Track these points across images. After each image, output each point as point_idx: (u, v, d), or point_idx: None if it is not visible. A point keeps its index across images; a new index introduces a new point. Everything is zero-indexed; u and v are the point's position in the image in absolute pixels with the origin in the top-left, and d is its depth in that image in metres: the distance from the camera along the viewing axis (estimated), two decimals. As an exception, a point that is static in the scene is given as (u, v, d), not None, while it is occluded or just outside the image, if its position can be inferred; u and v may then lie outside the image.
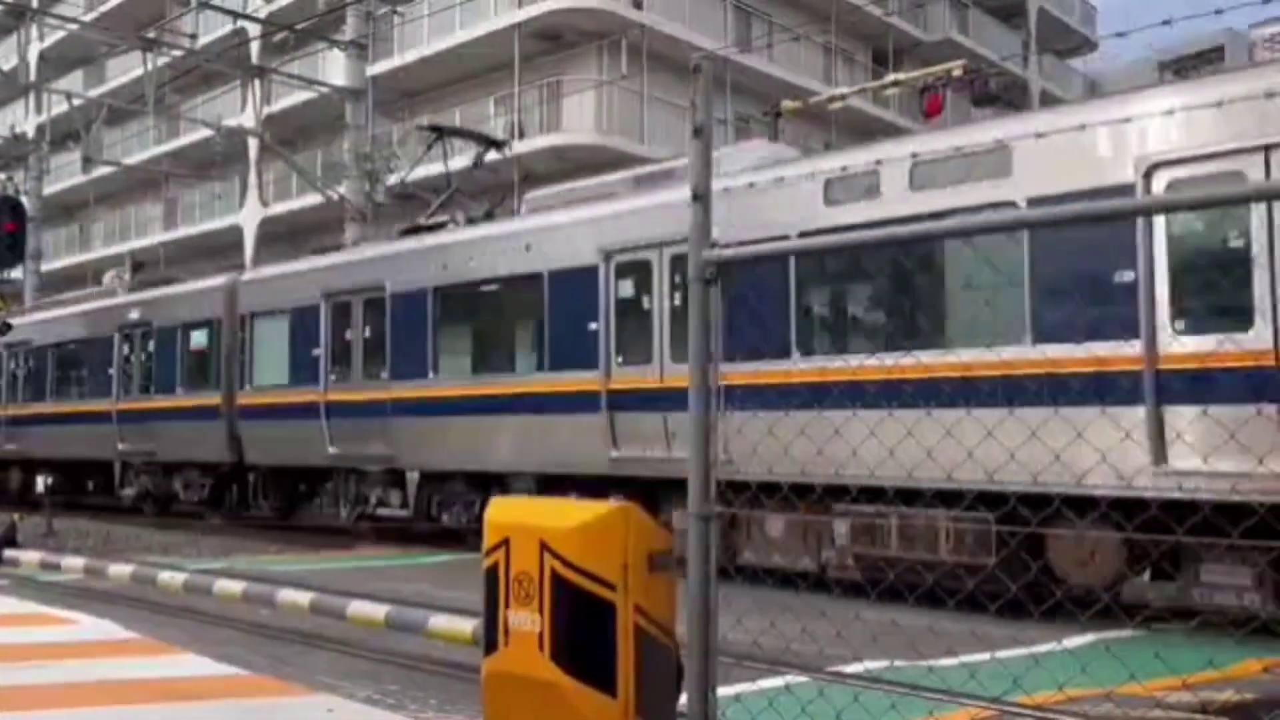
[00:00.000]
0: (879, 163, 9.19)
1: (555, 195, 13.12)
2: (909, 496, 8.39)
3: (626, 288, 11.29)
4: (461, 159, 16.93)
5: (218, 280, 17.87)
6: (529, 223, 12.85)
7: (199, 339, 17.59)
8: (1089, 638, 6.22)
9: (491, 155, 16.73)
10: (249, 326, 16.44)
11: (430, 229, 14.57)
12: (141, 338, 18.77)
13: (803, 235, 9.28)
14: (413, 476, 14.21)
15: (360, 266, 14.88)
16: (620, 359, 11.27)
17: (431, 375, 13.43)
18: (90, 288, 24.73)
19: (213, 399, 16.95)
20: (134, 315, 18.98)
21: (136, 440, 18.54)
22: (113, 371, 19.26)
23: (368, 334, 14.36)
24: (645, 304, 11.15)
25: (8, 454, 22.30)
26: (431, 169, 17.15)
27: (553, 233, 12.20)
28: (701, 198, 3.72)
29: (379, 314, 14.14)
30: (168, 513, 18.51)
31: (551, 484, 11.48)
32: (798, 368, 9.63)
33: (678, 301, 10.69)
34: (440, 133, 16.78)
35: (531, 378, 12.24)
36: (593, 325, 11.47)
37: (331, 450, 14.68)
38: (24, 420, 21.95)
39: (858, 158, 9.66)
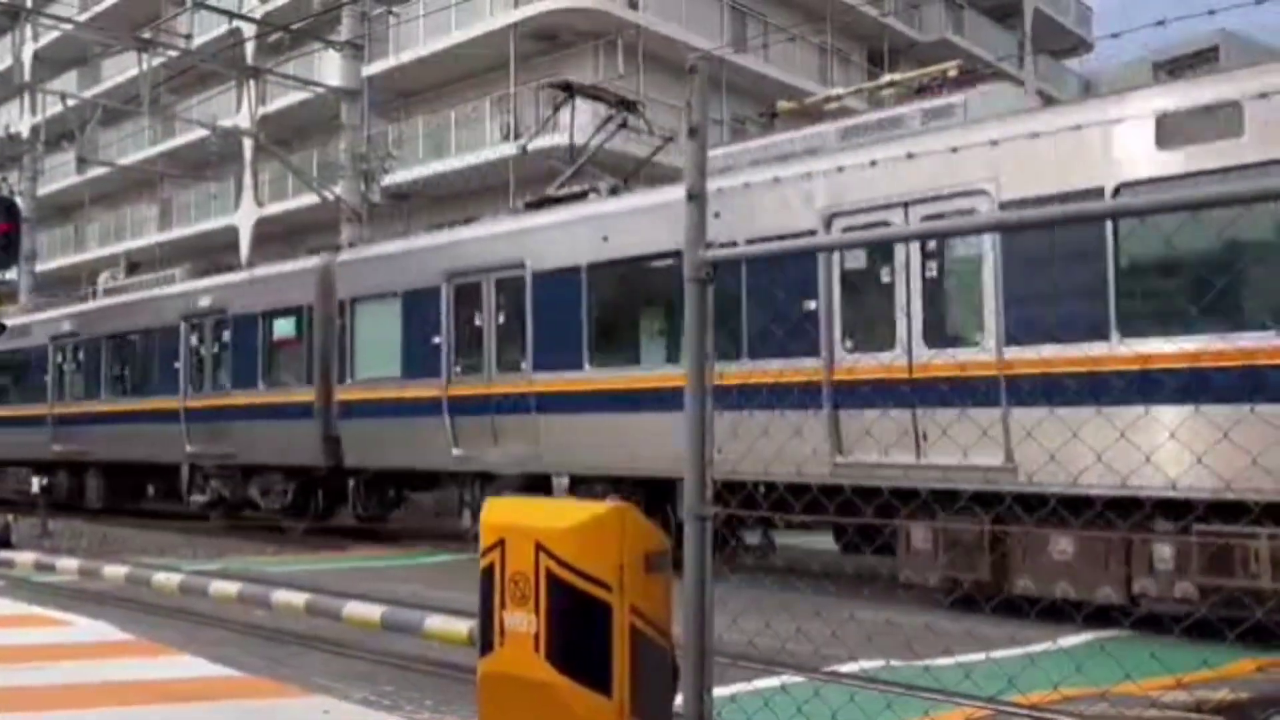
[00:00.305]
0: (1240, 94, 7.55)
1: (730, 155, 11.09)
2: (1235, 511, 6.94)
3: (857, 258, 9.63)
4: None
5: (309, 262, 16.12)
6: (715, 184, 10.98)
7: (285, 328, 15.78)
8: (1085, 637, 6.23)
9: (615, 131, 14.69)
10: (349, 313, 14.70)
11: (563, 200, 12.88)
12: (214, 327, 17.05)
13: (1125, 186, 7.91)
14: (560, 481, 12.47)
15: (490, 243, 13.14)
16: (849, 344, 9.64)
17: (587, 367, 11.83)
18: (84, 286, 24.53)
19: (304, 395, 15.24)
20: (204, 303, 17.18)
21: (209, 442, 16.85)
22: (179, 365, 17.32)
23: (502, 319, 12.80)
24: (884, 276, 9.46)
25: (57, 456, 20.41)
26: (557, 138, 15.47)
27: (750, 195, 9.96)
28: (696, 198, 3.71)
29: (516, 296, 12.56)
30: (240, 520, 17.24)
31: (741, 494, 9.04)
32: (1117, 352, 7.79)
33: (931, 273, 9.23)
34: (570, 91, 14.84)
35: (719, 368, 10.20)
36: (810, 304, 9.82)
37: (456, 452, 13.05)
38: (74, 420, 20.13)
39: (1205, 91, 7.88)
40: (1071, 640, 6.11)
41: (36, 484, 17.59)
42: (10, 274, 24.90)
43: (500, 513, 3.98)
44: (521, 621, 3.71)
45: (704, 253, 3.68)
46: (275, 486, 16.22)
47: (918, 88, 19.04)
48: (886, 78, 20.33)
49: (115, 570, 7.95)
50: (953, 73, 16.92)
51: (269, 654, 6.81)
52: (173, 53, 21.87)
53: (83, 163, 25.33)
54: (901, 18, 32.87)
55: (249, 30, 26.47)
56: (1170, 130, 7.79)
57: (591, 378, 11.76)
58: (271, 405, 15.80)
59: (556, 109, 15.00)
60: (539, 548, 3.70)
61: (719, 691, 3.73)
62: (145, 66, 19.84)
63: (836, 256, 9.70)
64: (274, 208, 31.65)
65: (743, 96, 26.20)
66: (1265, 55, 8.21)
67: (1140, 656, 4.72)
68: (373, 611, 5.77)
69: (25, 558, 9.42)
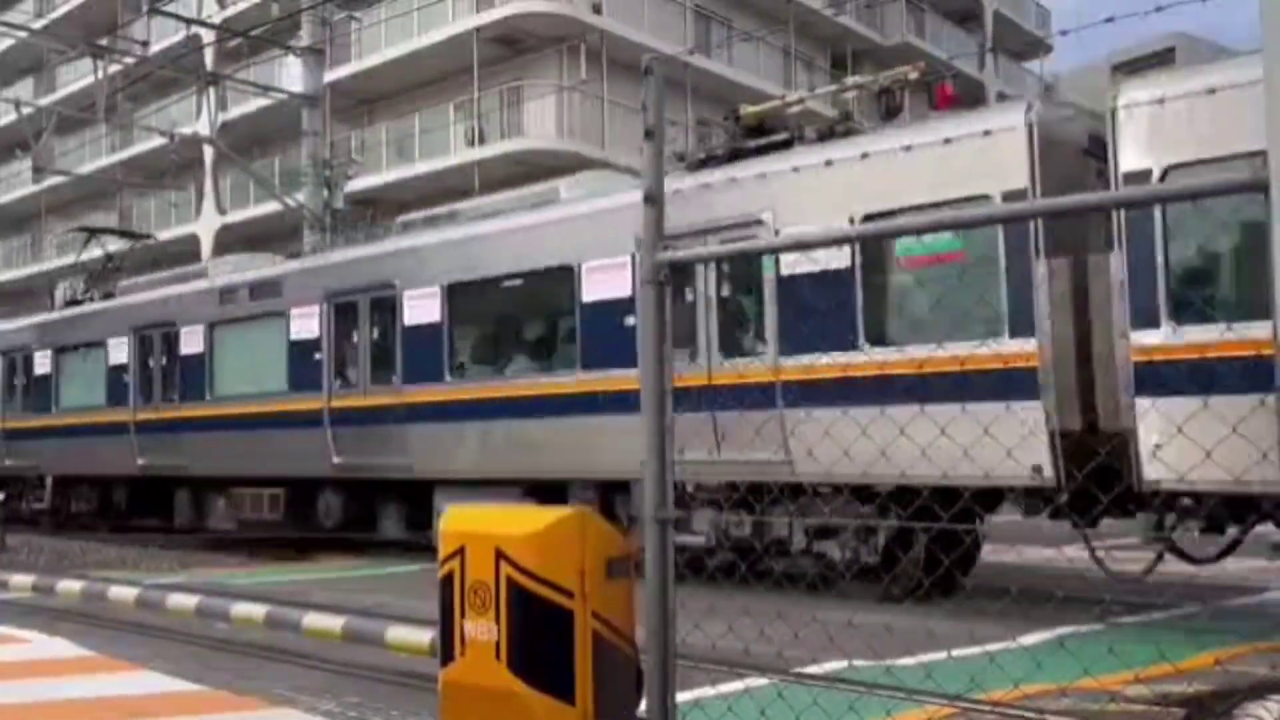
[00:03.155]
0: None
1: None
2: None
3: None
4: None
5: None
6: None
7: None
8: (1044, 635, 6.28)
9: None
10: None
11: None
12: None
13: None
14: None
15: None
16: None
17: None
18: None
19: None
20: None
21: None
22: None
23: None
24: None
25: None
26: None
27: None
28: (654, 200, 3.70)
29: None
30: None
31: None
32: None
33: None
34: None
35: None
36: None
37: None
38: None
39: None
40: (1030, 638, 6.16)
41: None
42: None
43: (460, 521, 3.95)
44: (482, 630, 3.68)
45: (660, 255, 3.67)
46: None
47: (879, 90, 19.11)
48: (849, 80, 20.43)
49: (69, 585, 7.79)
50: (913, 75, 17.00)
51: (232, 667, 6.72)
52: (130, 59, 21.59)
53: (39, 172, 24.90)
54: (863, 21, 33.15)
55: (208, 36, 26.20)
56: None
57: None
58: None
59: None
60: (499, 555, 3.68)
61: (682, 696, 3.73)
62: (102, 73, 19.58)
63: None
64: (236, 215, 31.35)
65: (707, 100, 26.26)
66: (1221, 55, 8.25)
67: (1098, 652, 4.77)
68: (333, 622, 5.70)
69: (-20, 575, 9.23)
